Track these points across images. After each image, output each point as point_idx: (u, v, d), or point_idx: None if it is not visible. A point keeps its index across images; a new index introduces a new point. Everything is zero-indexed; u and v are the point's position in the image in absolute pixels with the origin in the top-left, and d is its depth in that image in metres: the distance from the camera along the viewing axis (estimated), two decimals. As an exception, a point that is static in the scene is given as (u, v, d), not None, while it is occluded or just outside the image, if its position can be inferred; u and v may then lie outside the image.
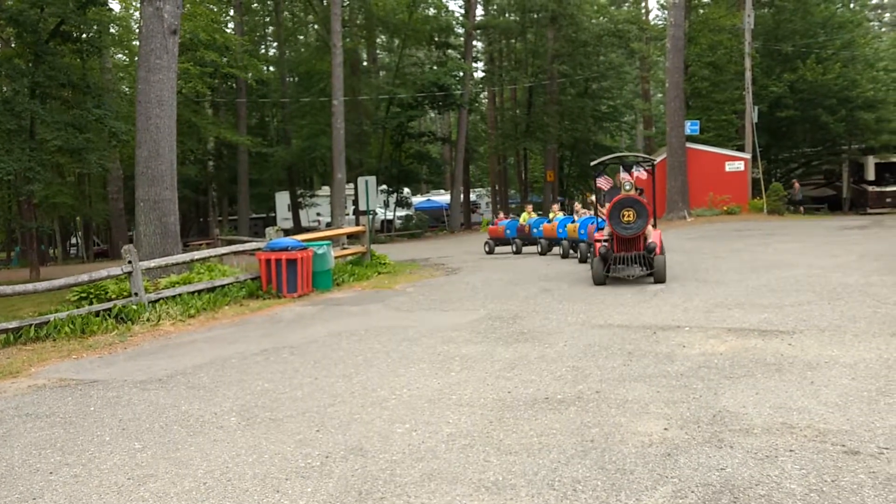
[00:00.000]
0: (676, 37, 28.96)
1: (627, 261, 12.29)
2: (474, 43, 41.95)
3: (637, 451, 4.75)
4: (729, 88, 33.46)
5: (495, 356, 7.68)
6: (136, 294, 11.14)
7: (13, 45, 27.80)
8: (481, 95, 44.74)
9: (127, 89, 33.21)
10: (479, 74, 45.41)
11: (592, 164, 13.88)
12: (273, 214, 42.78)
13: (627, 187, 12.62)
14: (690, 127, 30.27)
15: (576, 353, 7.58)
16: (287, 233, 17.81)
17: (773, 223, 24.31)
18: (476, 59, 44.21)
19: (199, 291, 12.12)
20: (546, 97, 41.68)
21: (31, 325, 10.13)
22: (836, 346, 7.29)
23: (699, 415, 5.39)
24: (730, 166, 30.20)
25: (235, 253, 14.36)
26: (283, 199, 42.22)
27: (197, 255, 13.20)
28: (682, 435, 4.99)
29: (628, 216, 12.18)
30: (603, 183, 14.11)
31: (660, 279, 12.03)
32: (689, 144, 29.68)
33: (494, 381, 6.63)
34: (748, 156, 30.22)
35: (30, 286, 10.82)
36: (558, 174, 44.11)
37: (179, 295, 11.79)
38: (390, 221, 39.54)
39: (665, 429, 5.13)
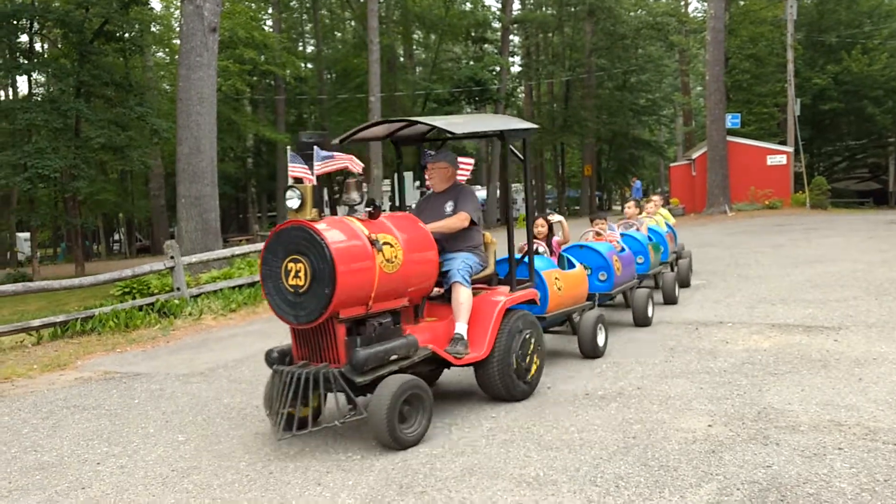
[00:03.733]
0: (716, 29, 28.52)
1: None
2: (511, 37, 41.76)
3: (680, 447, 4.70)
4: (770, 81, 32.86)
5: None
6: (178, 289, 11.30)
7: (59, 46, 28.36)
8: (518, 90, 44.54)
9: (168, 87, 33.73)
10: (515, 69, 45.20)
11: (339, 139, 6.08)
12: (308, 210, 43.11)
13: (294, 204, 5.03)
14: (731, 120, 29.79)
15: (616, 349, 7.51)
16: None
17: (816, 218, 23.85)
18: (513, 54, 44.03)
19: (240, 286, 12.25)
20: (584, 91, 41.36)
21: (77, 318, 10.32)
22: (884, 342, 7.13)
23: (743, 411, 5.31)
24: (771, 160, 29.67)
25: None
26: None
27: (238, 250, 13.35)
28: (726, 432, 4.92)
29: (295, 273, 4.92)
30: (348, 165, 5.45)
31: None
32: (729, 138, 29.22)
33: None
34: (790, 149, 29.68)
35: (76, 281, 11.02)
36: (596, 169, 43.77)
37: (220, 290, 11.92)
38: (427, 217, 39.62)
39: (709, 425, 5.06)
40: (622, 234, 9.48)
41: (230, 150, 39.42)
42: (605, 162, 46.95)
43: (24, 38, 25.99)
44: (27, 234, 33.72)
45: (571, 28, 43.21)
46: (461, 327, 5.61)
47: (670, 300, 9.88)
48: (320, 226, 4.90)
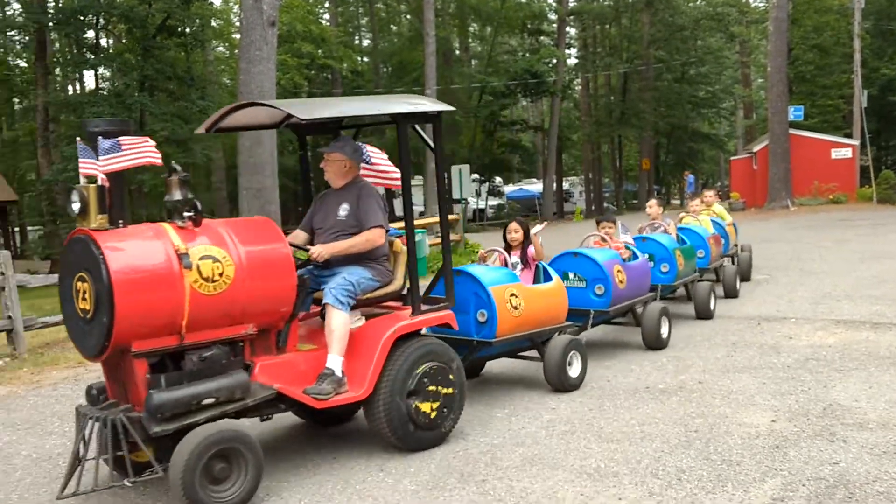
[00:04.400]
0: (779, 19, 27.84)
1: None
2: (567, 29, 41.41)
3: (743, 442, 4.65)
4: (835, 72, 31.95)
5: (593, 345, 7.62)
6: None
7: (124, 41, 29.10)
8: (574, 82, 44.13)
9: (228, 81, 34.31)
10: (572, 61, 44.81)
11: (203, 127, 5.08)
12: (368, 203, 43.49)
13: (75, 208, 4.13)
14: (794, 113, 29.09)
15: (677, 343, 7.45)
16: (381, 221, 18.06)
17: (883, 213, 23.16)
18: (569, 46, 43.62)
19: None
20: (641, 83, 40.80)
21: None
22: (956, 340, 6.94)
23: (808, 407, 5.23)
24: (836, 153, 28.87)
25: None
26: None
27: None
28: (790, 427, 4.85)
29: (83, 294, 4.07)
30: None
31: None
32: (792, 131, 28.53)
33: (593, 369, 6.57)
34: (856, 142, 28.85)
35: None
36: (654, 162, 43.18)
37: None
38: (482, 210, 39.53)
39: (773, 421, 5.00)
40: (645, 238, 8.38)
41: (289, 143, 39.99)
42: (663, 155, 46.24)
43: (90, 34, 26.73)
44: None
45: (629, 19, 42.62)
46: (333, 360, 4.55)
47: (731, 293, 9.77)
48: (105, 236, 3.99)
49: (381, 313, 5.02)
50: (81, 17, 24.87)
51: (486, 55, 41.11)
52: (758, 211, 27.08)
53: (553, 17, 39.16)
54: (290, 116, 5.12)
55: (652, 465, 4.38)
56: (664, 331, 7.26)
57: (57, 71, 28.20)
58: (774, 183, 27.81)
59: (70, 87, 40.93)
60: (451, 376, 4.94)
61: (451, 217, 18.49)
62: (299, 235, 5.15)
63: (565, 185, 44.97)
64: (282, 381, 4.42)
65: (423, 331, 5.02)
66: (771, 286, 10.62)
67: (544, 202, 38.27)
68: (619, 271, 7.07)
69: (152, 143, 4.22)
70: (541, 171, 44.22)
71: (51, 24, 24.27)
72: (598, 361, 6.85)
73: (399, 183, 5.25)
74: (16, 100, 35.33)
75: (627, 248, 7.61)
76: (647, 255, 8.02)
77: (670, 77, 41.97)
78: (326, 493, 4.26)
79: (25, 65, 32.26)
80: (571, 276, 7.04)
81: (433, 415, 4.82)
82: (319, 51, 32.03)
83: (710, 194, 11.64)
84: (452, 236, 17.65)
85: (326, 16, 39.44)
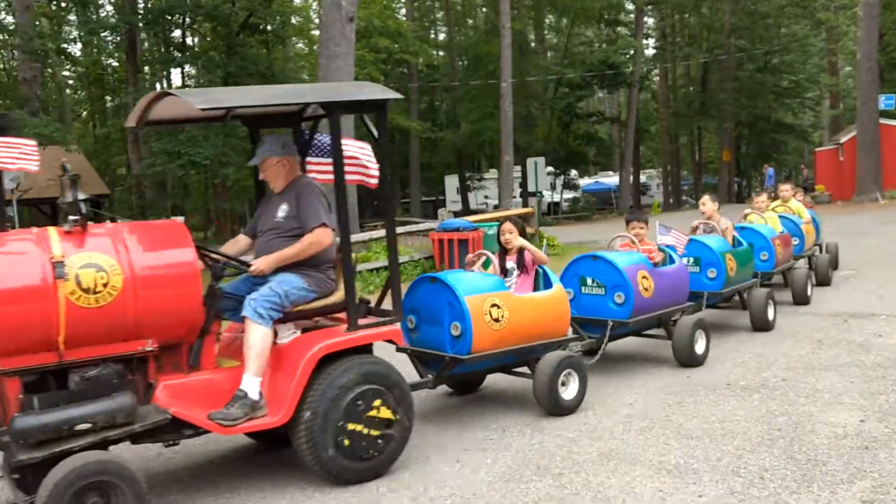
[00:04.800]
0: (869, 3, 26.72)
1: None
2: (645, 19, 40.69)
3: (829, 442, 4.53)
4: (931, 58, 30.51)
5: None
6: (318, 271, 11.77)
7: (208, 39, 29.95)
8: (652, 73, 43.39)
9: (307, 77, 34.94)
10: (650, 51, 44.02)
11: (130, 121, 4.69)
12: (442, 197, 43.64)
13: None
14: (885, 101, 27.88)
15: (759, 340, 7.28)
16: (456, 215, 18.16)
17: (982, 206, 22.06)
18: (647, 36, 42.85)
19: (377, 269, 12.69)
20: (722, 73, 39.78)
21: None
22: None
23: (900, 408, 5.05)
24: (930, 143, 27.61)
25: (409, 233, 14.83)
26: (452, 183, 42.99)
27: (374, 234, 13.79)
28: (880, 428, 4.70)
29: None
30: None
31: None
32: (883, 120, 27.36)
33: (672, 364, 6.48)
34: (952, 132, 27.52)
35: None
36: (735, 154, 42.08)
37: (359, 272, 12.37)
38: (557, 204, 39.26)
39: (861, 421, 4.85)
40: (690, 240, 7.33)
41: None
42: (744, 147, 44.98)
43: (177, 33, 27.63)
44: (181, 218, 35.89)
45: (709, 8, 41.55)
46: (247, 381, 4.07)
47: (801, 300, 8.80)
48: None
49: (328, 325, 4.55)
50: (169, 17, 25.72)
51: (562, 47, 40.78)
52: (844, 204, 26.11)
53: (630, 6, 38.55)
54: (235, 109, 4.58)
55: (733, 463, 4.31)
56: (699, 346, 6.44)
57: (146, 69, 29.16)
58: (863, 175, 26.76)
59: (158, 85, 42.39)
60: (393, 403, 4.36)
61: (526, 210, 18.45)
62: (240, 241, 4.76)
63: (642, 178, 44.26)
64: (189, 403, 3.95)
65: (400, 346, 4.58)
66: (859, 282, 10.25)
67: (621, 195, 37.80)
68: (644, 277, 6.26)
69: (33, 144, 3.83)
70: (617, 163, 43.67)
71: (140, 24, 25.16)
72: (676, 357, 6.76)
73: (376, 182, 4.88)
74: (108, 98, 36.79)
75: (662, 250, 6.79)
76: (690, 259, 7.30)
77: (752, 67, 40.81)
78: (404, 481, 4.33)
79: (117, 64, 33.60)
80: (590, 281, 6.38)
81: (366, 444, 4.26)
82: (396, 45, 32.32)
83: (786, 188, 10.67)
84: (528, 229, 17.59)
85: (403, 10, 39.74)
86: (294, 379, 4.09)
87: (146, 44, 31.06)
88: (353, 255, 4.74)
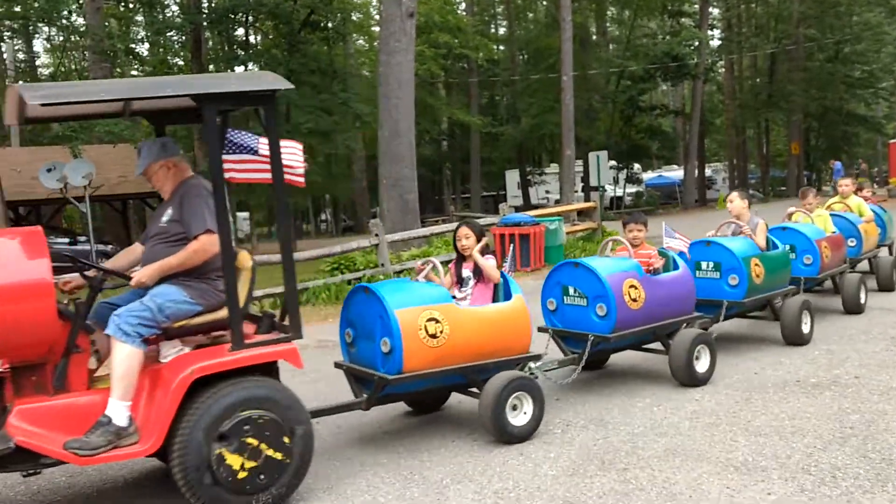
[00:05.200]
0: (950, -11, 25.73)
1: None
2: (710, 9, 39.86)
3: (905, 441, 4.39)
4: None
5: (737, 335, 7.37)
6: (382, 265, 11.90)
7: (271, 37, 30.46)
8: (718, 64, 42.51)
9: (367, 73, 35.25)
10: (715, 43, 43.10)
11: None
12: (503, 192, 43.59)
13: None
14: (965, 90, 26.84)
15: (829, 336, 7.09)
16: (517, 209, 18.12)
17: None
18: (712, 27, 41.96)
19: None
20: (790, 64, 38.73)
21: (291, 291, 11.09)
22: None
23: (981, 408, 4.87)
24: None
25: (470, 228, 14.88)
26: (512, 177, 42.91)
27: (435, 229, 13.86)
28: (960, 428, 4.54)
29: None
30: None
31: None
32: (962, 110, 26.36)
33: (741, 361, 6.37)
34: None
35: (289, 256, 11.86)
36: (804, 147, 40.94)
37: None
38: (619, 198, 38.81)
39: (939, 420, 4.69)
40: (709, 242, 6.77)
41: (426, 133, 40.68)
42: (813, 140, 43.72)
43: (240, 31, 28.19)
44: (246, 214, 36.60)
45: (777, -4, 40.55)
46: (112, 406, 3.68)
47: (853, 309, 7.99)
48: None
49: (223, 342, 4.08)
50: (232, 16, 26.23)
51: (624, 39, 40.23)
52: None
53: (695, -3, 37.81)
54: (133, 101, 4.23)
55: (803, 461, 4.21)
56: (701, 364, 5.76)
57: (210, 67, 29.79)
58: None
59: (222, 83, 43.23)
60: (284, 438, 3.90)
61: (588, 204, 18.28)
62: (135, 249, 4.37)
63: (708, 172, 43.40)
64: (49, 429, 3.58)
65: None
66: (937, 278, 9.88)
67: (685, 189, 37.14)
68: (632, 287, 5.56)
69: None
70: (682, 157, 42.92)
71: (205, 23, 25.72)
72: (744, 354, 6.63)
73: (303, 181, 4.59)
74: (175, 96, 37.75)
75: (664, 254, 6.11)
76: (710, 264, 6.65)
77: (822, 57, 39.61)
78: (467, 474, 4.36)
79: (182, 63, 34.42)
80: (572, 291, 5.76)
81: (242, 475, 3.79)
82: (456, 41, 32.38)
83: (846, 183, 9.74)
84: (589, 224, 17.44)
85: (463, 5, 39.76)
86: (165, 405, 3.69)
87: (210, 42, 31.74)
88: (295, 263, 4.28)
